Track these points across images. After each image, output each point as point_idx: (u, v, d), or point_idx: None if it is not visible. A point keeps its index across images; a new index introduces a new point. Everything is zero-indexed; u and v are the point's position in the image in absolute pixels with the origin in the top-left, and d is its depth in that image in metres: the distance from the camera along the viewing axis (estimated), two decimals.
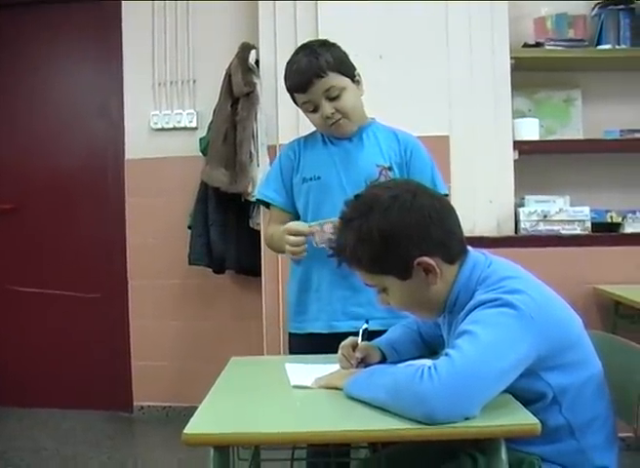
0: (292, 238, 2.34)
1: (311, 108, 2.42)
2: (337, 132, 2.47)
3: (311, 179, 2.48)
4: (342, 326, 2.40)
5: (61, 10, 4.61)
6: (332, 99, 2.38)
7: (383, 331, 2.13)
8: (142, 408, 4.60)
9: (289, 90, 2.46)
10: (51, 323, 4.72)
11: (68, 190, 4.71)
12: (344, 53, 2.48)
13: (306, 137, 2.60)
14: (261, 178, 3.40)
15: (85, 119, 4.72)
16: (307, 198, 2.49)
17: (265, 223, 2.67)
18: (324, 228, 2.30)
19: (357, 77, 2.48)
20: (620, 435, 1.80)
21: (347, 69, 2.44)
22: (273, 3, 4.00)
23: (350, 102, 2.42)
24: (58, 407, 4.61)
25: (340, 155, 2.48)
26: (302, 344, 2.52)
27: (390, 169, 2.44)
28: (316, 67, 2.35)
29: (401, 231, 1.68)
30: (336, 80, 2.38)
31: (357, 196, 1.81)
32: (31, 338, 4.73)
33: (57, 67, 4.73)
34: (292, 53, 3.63)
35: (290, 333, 2.61)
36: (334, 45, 2.47)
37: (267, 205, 2.59)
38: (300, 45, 2.57)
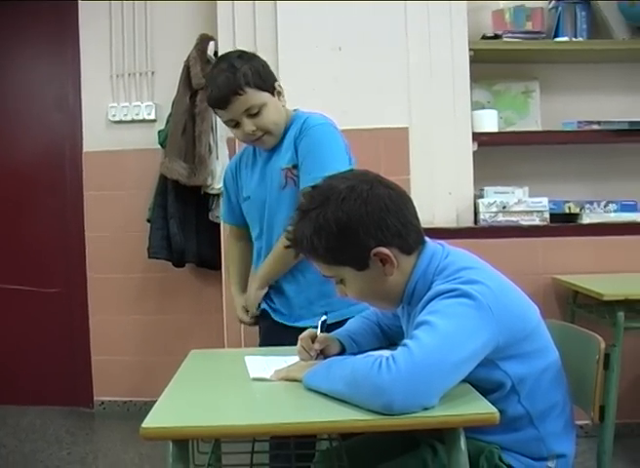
0: (242, 315, 2.66)
1: (233, 124, 2.44)
2: (258, 146, 2.53)
3: (245, 200, 2.59)
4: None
5: (17, 2, 4.54)
6: (252, 116, 2.39)
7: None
8: (103, 403, 4.57)
9: (209, 106, 2.50)
10: (9, 318, 4.67)
11: (25, 184, 4.65)
12: (264, 63, 2.47)
13: (242, 155, 2.67)
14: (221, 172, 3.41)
15: (42, 112, 4.66)
16: (247, 216, 2.63)
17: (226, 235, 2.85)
18: None
19: (278, 88, 2.47)
20: (578, 422, 1.84)
21: (266, 83, 2.42)
22: None
23: (271, 118, 2.43)
24: (16, 403, 4.56)
25: (260, 170, 2.55)
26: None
27: (295, 167, 2.44)
28: (234, 85, 2.35)
29: (357, 221, 1.68)
30: (254, 97, 2.38)
31: (314, 187, 1.81)
32: None
33: (12, 59, 4.66)
34: (251, 44, 3.64)
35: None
36: (253, 57, 2.47)
37: None
38: (219, 56, 2.61)
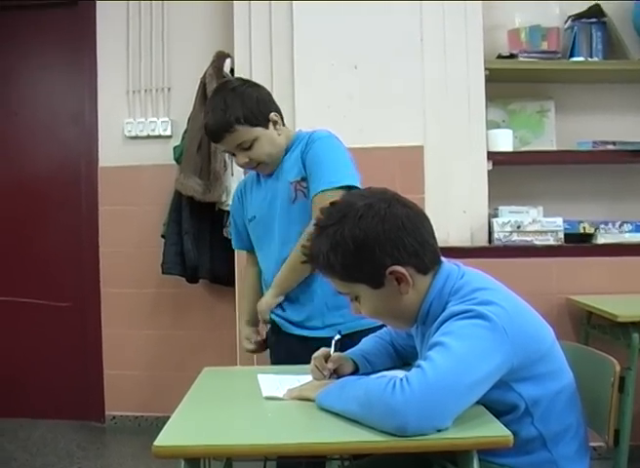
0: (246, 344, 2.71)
1: (229, 154, 2.57)
2: (258, 172, 2.59)
3: (250, 220, 2.63)
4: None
5: (35, 17, 4.59)
6: (245, 149, 2.46)
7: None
8: (114, 417, 4.56)
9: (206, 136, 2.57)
10: (22, 331, 4.68)
11: (41, 198, 4.67)
12: (258, 95, 2.49)
13: (246, 180, 2.73)
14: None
15: (58, 126, 4.68)
16: (252, 236, 2.66)
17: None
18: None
19: (274, 118, 2.50)
20: (592, 444, 1.82)
21: (258, 118, 2.46)
22: (249, 12, 3.99)
23: (264, 151, 2.48)
24: (28, 416, 4.56)
25: (266, 189, 2.59)
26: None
27: (304, 179, 2.47)
28: (225, 124, 2.41)
29: (374, 239, 1.68)
30: (246, 134, 2.44)
31: (332, 203, 1.81)
32: (2, 347, 4.68)
33: (30, 74, 4.69)
34: (267, 61, 3.66)
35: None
36: (246, 90, 2.49)
37: None
38: (215, 87, 2.67)
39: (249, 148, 2.45)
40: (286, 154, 2.53)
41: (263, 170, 2.54)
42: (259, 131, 2.45)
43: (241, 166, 2.57)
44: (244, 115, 2.41)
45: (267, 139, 2.48)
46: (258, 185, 2.63)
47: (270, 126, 2.48)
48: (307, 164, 2.46)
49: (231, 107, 2.40)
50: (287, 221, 2.49)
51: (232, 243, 2.84)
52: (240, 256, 2.98)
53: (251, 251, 2.75)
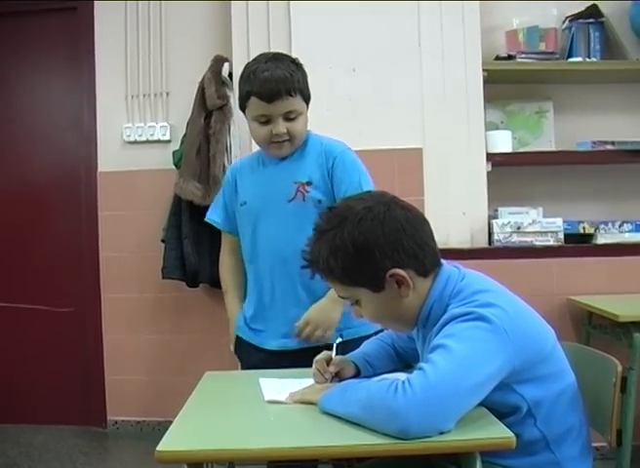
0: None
1: (264, 120, 2.43)
2: (273, 152, 2.51)
3: (241, 205, 2.57)
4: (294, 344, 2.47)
5: (33, 21, 4.59)
6: (288, 120, 2.42)
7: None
8: (116, 422, 4.56)
9: (251, 93, 2.44)
10: (23, 337, 4.67)
11: (40, 203, 4.67)
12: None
13: (243, 161, 2.69)
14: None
15: (57, 131, 4.68)
16: (240, 222, 2.60)
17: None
18: None
19: (308, 104, 2.52)
20: (594, 444, 1.82)
21: (308, 95, 2.49)
22: (246, 16, 4.01)
23: (301, 128, 2.47)
24: (30, 422, 4.55)
25: (265, 178, 2.54)
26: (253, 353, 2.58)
27: (309, 183, 2.46)
28: (289, 85, 2.39)
29: (374, 243, 1.68)
30: (299, 104, 2.44)
31: (331, 207, 1.81)
32: (3, 353, 4.68)
33: (28, 79, 4.69)
34: None
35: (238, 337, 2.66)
36: (303, 69, 2.50)
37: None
38: (267, 52, 2.60)
39: (292, 120, 2.42)
40: (297, 150, 2.51)
41: (285, 149, 2.47)
42: (305, 107, 2.47)
43: (268, 137, 2.43)
44: (303, 88, 2.45)
45: (305, 120, 2.49)
46: (254, 171, 2.58)
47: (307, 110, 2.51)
48: (335, 176, 2.44)
49: (297, 75, 2.42)
50: (278, 219, 2.47)
51: (208, 213, 2.74)
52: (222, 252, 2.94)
53: (226, 231, 2.71)
